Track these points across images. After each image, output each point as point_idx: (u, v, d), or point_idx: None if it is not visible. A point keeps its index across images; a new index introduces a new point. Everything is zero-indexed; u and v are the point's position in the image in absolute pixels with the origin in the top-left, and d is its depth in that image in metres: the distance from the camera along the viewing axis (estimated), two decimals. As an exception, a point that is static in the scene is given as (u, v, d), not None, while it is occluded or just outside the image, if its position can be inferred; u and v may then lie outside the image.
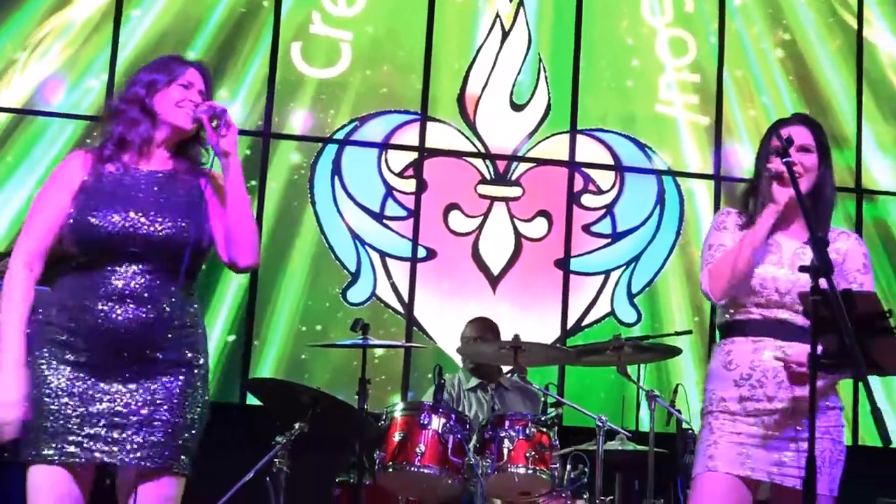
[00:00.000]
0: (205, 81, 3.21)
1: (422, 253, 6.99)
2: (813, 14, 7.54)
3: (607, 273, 7.14)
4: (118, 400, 2.98)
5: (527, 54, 7.28)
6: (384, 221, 6.99)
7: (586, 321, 7.09)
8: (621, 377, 5.19)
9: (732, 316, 3.44)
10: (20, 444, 2.95)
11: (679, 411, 5.30)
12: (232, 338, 6.69)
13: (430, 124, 7.11)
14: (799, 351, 3.18)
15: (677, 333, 5.76)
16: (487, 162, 7.16)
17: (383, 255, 6.97)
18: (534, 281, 7.09)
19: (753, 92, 7.38)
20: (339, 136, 7.03)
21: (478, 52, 7.26)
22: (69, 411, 2.94)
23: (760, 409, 3.32)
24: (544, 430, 4.78)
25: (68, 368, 2.97)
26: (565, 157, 7.20)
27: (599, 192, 7.19)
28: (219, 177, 3.18)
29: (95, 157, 3.13)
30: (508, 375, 5.71)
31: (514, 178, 7.16)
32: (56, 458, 2.93)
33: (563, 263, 7.09)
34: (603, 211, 7.19)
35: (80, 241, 3.03)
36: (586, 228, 7.16)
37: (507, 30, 7.29)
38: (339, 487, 5.02)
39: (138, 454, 2.97)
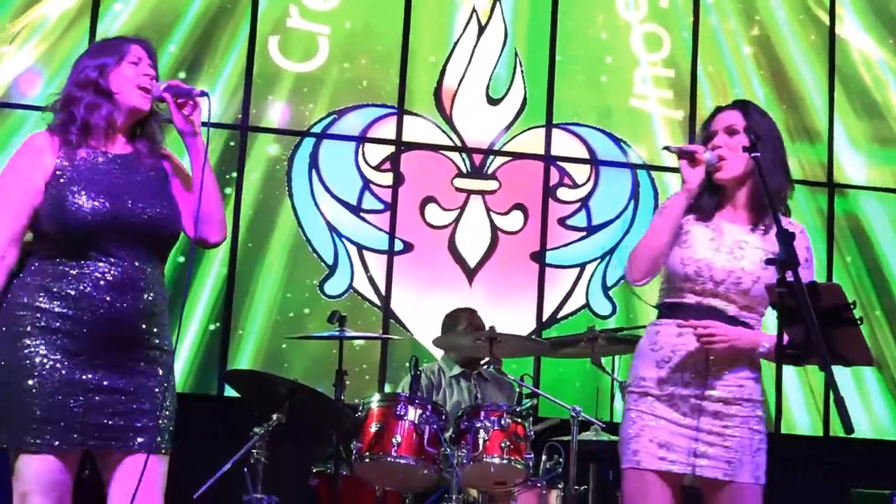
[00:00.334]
0: (150, 56, 3.21)
1: (399, 246, 7.03)
2: (786, 10, 7.62)
3: (583, 266, 7.19)
4: (111, 386, 3.02)
5: (503, 49, 7.32)
6: (361, 214, 7.03)
7: (562, 313, 7.14)
8: (596, 369, 5.24)
9: (667, 298, 3.43)
10: (9, 430, 2.95)
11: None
12: (213, 326, 6.73)
13: (406, 118, 7.14)
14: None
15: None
16: (464, 155, 7.20)
17: (360, 247, 7.00)
18: (510, 273, 7.14)
19: (727, 87, 7.44)
20: (317, 129, 7.06)
21: (454, 46, 7.29)
22: (63, 398, 2.96)
23: (676, 393, 3.31)
24: (519, 420, 4.83)
25: (60, 355, 2.98)
26: (541, 151, 7.25)
27: (575, 185, 7.25)
28: (174, 155, 3.23)
29: (62, 141, 3.10)
30: (486, 367, 5.76)
31: (490, 171, 7.21)
32: (53, 445, 2.94)
33: (538, 256, 7.15)
34: (578, 204, 7.24)
35: (63, 228, 3.02)
36: (562, 222, 7.21)
37: (483, 24, 7.33)
38: (317, 478, 5.05)
39: (137, 439, 3.03)
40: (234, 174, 6.82)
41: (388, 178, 7.08)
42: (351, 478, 4.87)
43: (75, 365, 2.98)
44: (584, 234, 7.23)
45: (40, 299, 3.00)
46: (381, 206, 7.04)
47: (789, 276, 2.79)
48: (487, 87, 7.29)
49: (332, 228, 6.97)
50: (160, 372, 3.10)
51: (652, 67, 7.45)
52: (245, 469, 4.62)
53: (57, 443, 2.95)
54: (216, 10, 7.02)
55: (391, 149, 7.11)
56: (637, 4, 7.48)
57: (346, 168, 7.04)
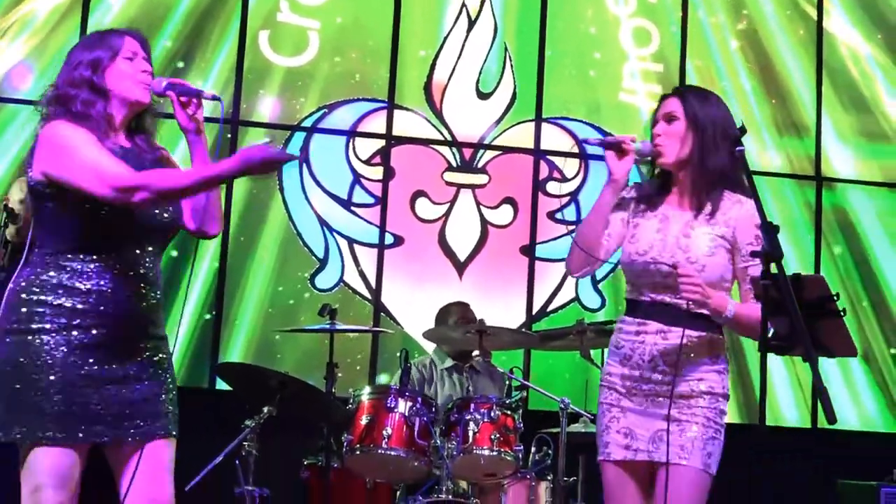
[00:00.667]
0: (144, 47, 3.18)
1: (389, 239, 7.05)
2: (773, 5, 7.65)
3: (572, 259, 7.21)
4: (124, 376, 3.05)
5: (493, 43, 7.35)
6: (352, 208, 7.05)
7: (551, 307, 7.18)
8: (585, 361, 5.28)
9: (629, 295, 3.51)
10: (25, 424, 2.95)
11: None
12: (205, 318, 6.75)
13: (397, 112, 7.16)
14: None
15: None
16: (454, 149, 7.23)
17: (351, 241, 7.03)
18: (500, 267, 7.17)
19: (715, 81, 7.47)
20: (307, 123, 7.08)
21: (444, 40, 7.31)
22: (80, 391, 2.98)
23: (638, 388, 3.39)
24: (509, 412, 4.87)
25: (75, 349, 2.99)
26: (531, 145, 7.28)
27: (564, 179, 7.28)
28: (166, 150, 3.26)
29: (89, 130, 3.03)
30: (476, 358, 5.79)
31: (480, 165, 7.24)
32: (76, 437, 2.97)
33: (528, 250, 7.18)
34: (568, 198, 7.28)
35: (83, 220, 3.01)
36: (551, 215, 7.24)
37: (473, 19, 7.36)
38: (308, 470, 5.07)
39: (154, 426, 3.09)
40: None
41: (378, 172, 7.10)
42: (342, 470, 4.90)
43: (90, 358, 3.00)
44: (573, 227, 7.21)
45: (54, 294, 3.00)
46: (371, 200, 7.07)
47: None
48: (477, 82, 7.31)
49: (322, 222, 6.99)
50: (164, 359, 3.16)
51: (641, 62, 7.48)
52: (236, 461, 4.65)
53: (81, 435, 2.98)
54: (207, 4, 7.03)
55: (381, 143, 7.13)
56: (626, -1, 7.52)
57: (336, 162, 7.06)
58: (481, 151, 7.24)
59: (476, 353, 5.52)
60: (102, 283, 3.03)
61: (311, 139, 7.07)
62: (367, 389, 4.95)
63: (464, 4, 7.36)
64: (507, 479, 4.95)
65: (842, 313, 2.89)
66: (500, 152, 7.27)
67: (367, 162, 7.11)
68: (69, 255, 3.03)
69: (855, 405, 7.28)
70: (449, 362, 5.80)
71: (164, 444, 3.12)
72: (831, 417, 2.61)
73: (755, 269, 3.24)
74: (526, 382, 5.55)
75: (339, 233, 7.01)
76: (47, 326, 2.98)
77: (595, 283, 7.20)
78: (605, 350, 5.52)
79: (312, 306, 6.27)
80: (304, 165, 7.02)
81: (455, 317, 5.87)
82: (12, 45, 6.76)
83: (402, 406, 4.78)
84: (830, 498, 6.48)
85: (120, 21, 6.81)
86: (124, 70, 3.12)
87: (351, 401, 4.87)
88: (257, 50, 7.06)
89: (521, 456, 4.84)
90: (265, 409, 4.72)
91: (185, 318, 6.63)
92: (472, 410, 4.81)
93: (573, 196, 7.27)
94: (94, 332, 3.01)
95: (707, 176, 3.37)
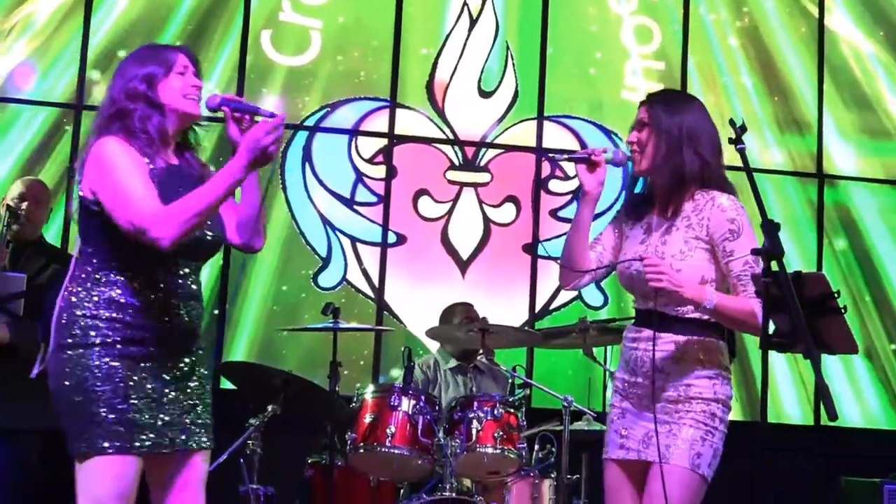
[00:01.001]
0: (194, 63, 3.24)
1: (392, 238, 7.07)
2: (774, 2, 7.66)
3: (575, 257, 7.22)
4: (176, 388, 3.11)
5: (494, 42, 7.36)
6: (354, 207, 7.06)
7: (554, 305, 7.19)
8: (588, 359, 5.29)
9: (633, 303, 3.58)
10: (88, 436, 2.97)
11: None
12: (215, 311, 6.78)
13: (399, 111, 7.18)
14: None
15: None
16: (456, 148, 7.24)
17: (354, 240, 7.04)
18: (502, 265, 7.18)
19: (716, 78, 7.49)
20: (310, 122, 7.09)
21: (446, 39, 7.32)
22: (139, 404, 3.01)
23: (634, 392, 3.46)
24: (512, 410, 4.88)
25: (131, 363, 3.02)
26: (533, 144, 7.29)
27: (566, 177, 7.28)
28: (209, 165, 3.30)
29: (139, 150, 3.06)
30: (480, 358, 5.80)
31: (482, 164, 7.25)
32: (144, 447, 3.00)
33: (531, 248, 7.19)
34: (570, 196, 7.29)
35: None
36: (554, 213, 7.25)
37: (475, 17, 7.37)
38: (312, 468, 5.08)
39: (201, 437, 3.15)
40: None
41: (380, 171, 7.12)
42: (345, 468, 4.91)
43: (143, 372, 3.04)
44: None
45: (107, 309, 3.03)
46: (374, 199, 7.08)
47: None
48: (479, 80, 7.32)
49: (325, 221, 7.01)
50: (206, 372, 3.23)
51: (643, 60, 7.49)
52: (241, 460, 4.65)
53: (140, 444, 3.00)
54: (210, 3, 7.05)
55: (384, 142, 7.14)
56: (628, -3, 7.53)
57: (339, 161, 7.08)
58: (483, 150, 7.25)
59: (480, 353, 5.54)
60: (152, 297, 3.07)
61: (314, 138, 7.08)
62: (371, 388, 4.95)
63: (465, 3, 7.37)
64: (511, 477, 4.95)
65: (843, 310, 2.89)
66: (502, 151, 7.28)
67: (370, 161, 7.12)
68: (117, 271, 3.06)
69: (858, 402, 7.29)
70: (453, 363, 5.81)
71: (204, 456, 3.18)
72: (832, 414, 2.62)
73: (736, 264, 3.32)
74: (529, 381, 5.56)
75: (341, 231, 7.02)
76: (102, 341, 3.01)
77: (598, 281, 7.19)
78: (608, 348, 5.63)
79: (316, 305, 6.27)
80: (307, 164, 7.03)
81: (460, 317, 5.88)
82: (15, 45, 6.77)
83: (406, 404, 4.78)
84: (833, 495, 6.48)
85: (123, 21, 6.84)
86: (177, 85, 3.15)
87: (354, 399, 4.88)
88: (259, 49, 7.07)
89: (524, 454, 4.85)
90: (269, 408, 4.71)
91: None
92: (475, 408, 4.81)
93: (575, 194, 7.27)
94: (145, 345, 3.05)
95: (673, 179, 3.39)
